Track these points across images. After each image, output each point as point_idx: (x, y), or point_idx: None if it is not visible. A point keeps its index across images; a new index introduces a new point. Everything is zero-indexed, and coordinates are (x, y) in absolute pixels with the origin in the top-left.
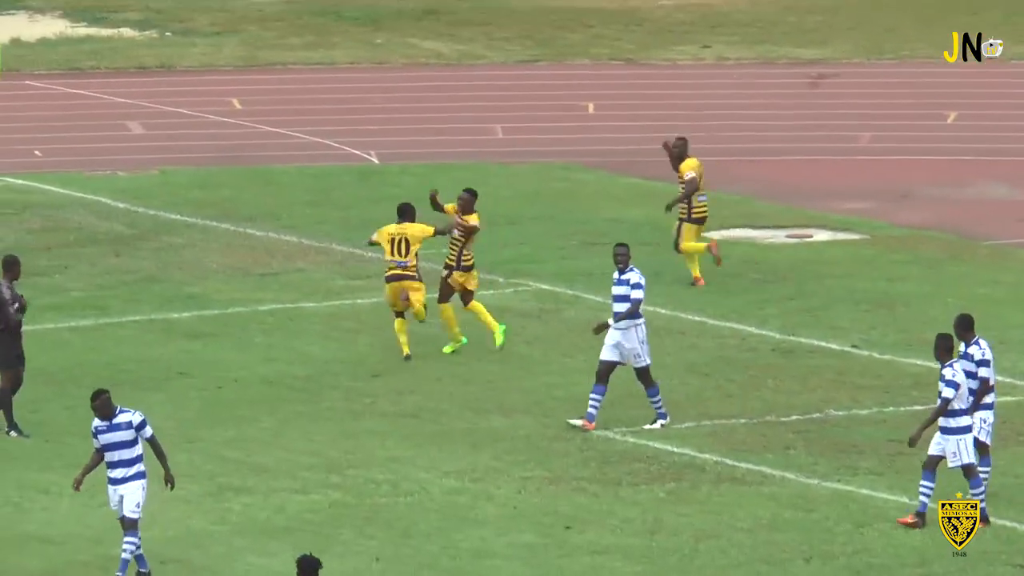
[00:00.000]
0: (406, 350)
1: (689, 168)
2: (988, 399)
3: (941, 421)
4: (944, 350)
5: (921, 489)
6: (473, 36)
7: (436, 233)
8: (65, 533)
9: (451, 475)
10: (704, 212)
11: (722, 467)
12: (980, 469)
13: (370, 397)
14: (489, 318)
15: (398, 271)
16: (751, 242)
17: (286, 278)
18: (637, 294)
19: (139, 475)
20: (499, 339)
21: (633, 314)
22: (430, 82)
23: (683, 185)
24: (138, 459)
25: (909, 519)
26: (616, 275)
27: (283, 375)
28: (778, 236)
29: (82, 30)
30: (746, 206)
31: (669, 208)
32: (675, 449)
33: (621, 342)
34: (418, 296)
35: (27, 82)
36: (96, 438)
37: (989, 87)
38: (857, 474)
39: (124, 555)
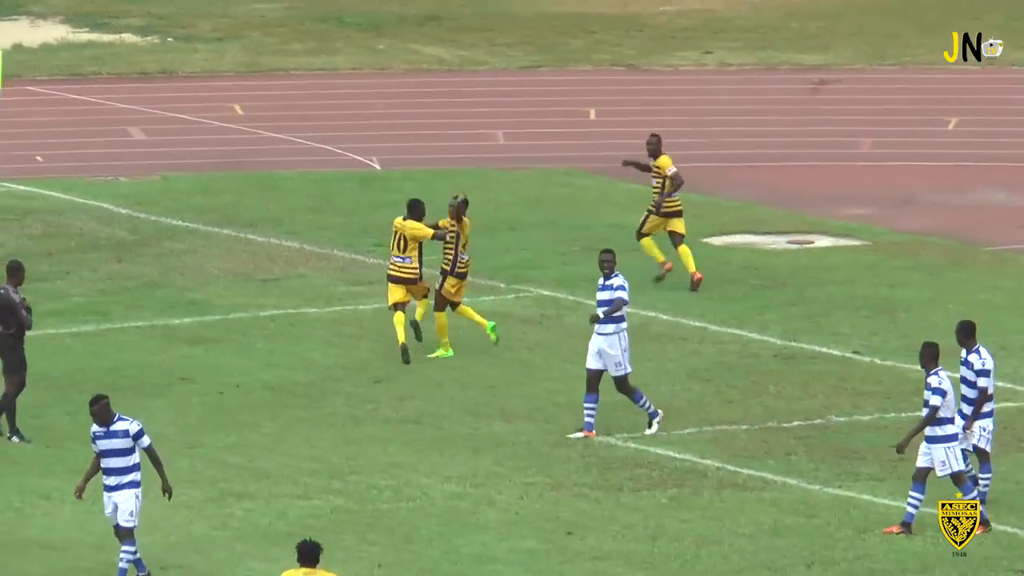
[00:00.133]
0: (401, 340)
1: (668, 164)
2: (987, 407)
3: (927, 430)
4: (929, 357)
5: (910, 499)
6: (475, 42)
7: (434, 238)
8: (67, 539)
9: (452, 480)
10: (677, 206)
11: (724, 473)
12: (981, 476)
13: (372, 403)
14: (477, 316)
15: (395, 270)
16: (752, 248)
17: (288, 284)
18: (621, 293)
19: (132, 484)
20: (492, 336)
21: (617, 310)
22: (432, 88)
23: (656, 179)
24: (133, 468)
25: (895, 528)
26: (601, 280)
27: (285, 381)
28: (779, 242)
29: (84, 35)
30: (747, 212)
31: (658, 211)
32: (677, 455)
33: (605, 349)
34: (419, 290)
35: (29, 88)
36: (94, 443)
37: (990, 93)
38: (859, 480)
39: (121, 564)
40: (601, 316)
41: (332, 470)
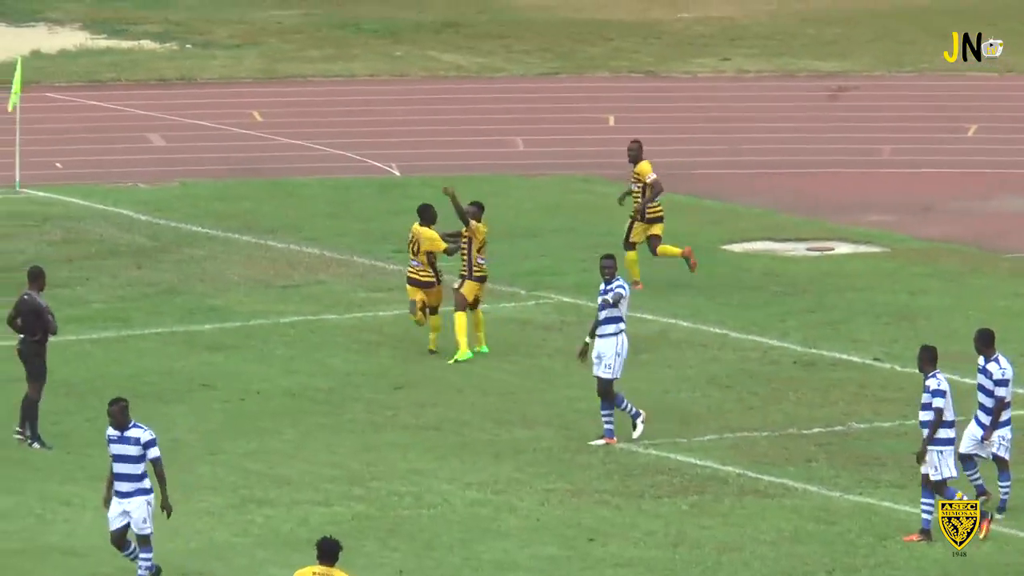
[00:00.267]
0: (432, 346)
1: (649, 170)
2: (1005, 415)
3: (923, 433)
4: (927, 360)
5: (922, 506)
6: (493, 49)
7: (445, 251)
8: (87, 545)
9: (473, 487)
10: (659, 212)
11: (744, 480)
12: (1000, 485)
13: (392, 409)
14: (464, 337)
15: (412, 273)
16: (772, 255)
17: (307, 290)
18: (620, 290)
19: (144, 491)
20: (458, 356)
21: (617, 303)
22: (450, 94)
23: (635, 184)
24: (144, 475)
25: (915, 536)
26: (602, 286)
27: (305, 387)
28: (799, 249)
29: (102, 42)
30: (767, 219)
31: (640, 216)
32: (697, 462)
33: (601, 353)
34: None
35: (48, 94)
36: (108, 446)
37: (1009, 100)
38: (879, 487)
39: (140, 572)
40: (589, 340)
41: (353, 476)
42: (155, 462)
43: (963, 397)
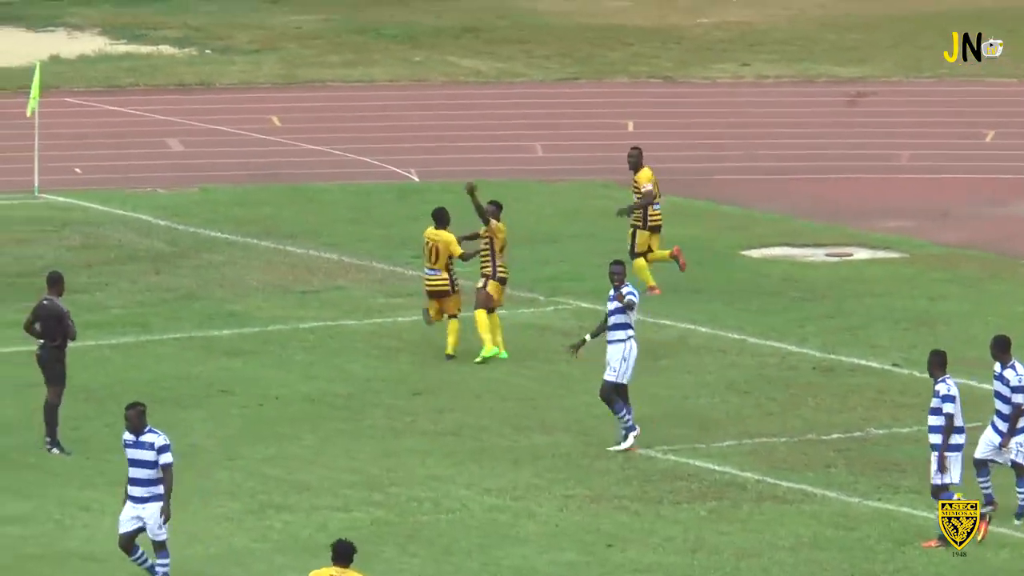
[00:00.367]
0: (450, 350)
1: (647, 179)
2: (1022, 422)
3: (930, 437)
4: (936, 365)
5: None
6: (512, 54)
7: (460, 257)
8: (106, 551)
9: (492, 493)
10: (659, 220)
11: (763, 485)
12: (1018, 491)
13: (411, 415)
14: (487, 334)
15: (430, 283)
16: (791, 260)
17: (327, 296)
18: (631, 298)
19: (159, 497)
20: (484, 354)
21: (632, 307)
22: (469, 100)
23: (637, 195)
24: (159, 481)
25: (933, 542)
26: (612, 292)
27: (324, 393)
28: (817, 254)
29: (121, 47)
30: (785, 224)
31: (620, 214)
32: (716, 467)
33: (609, 358)
34: (452, 306)
35: (66, 99)
36: (125, 451)
37: None
38: (898, 492)
39: None
40: (588, 338)
41: (372, 482)
42: (165, 468)
43: (982, 403)
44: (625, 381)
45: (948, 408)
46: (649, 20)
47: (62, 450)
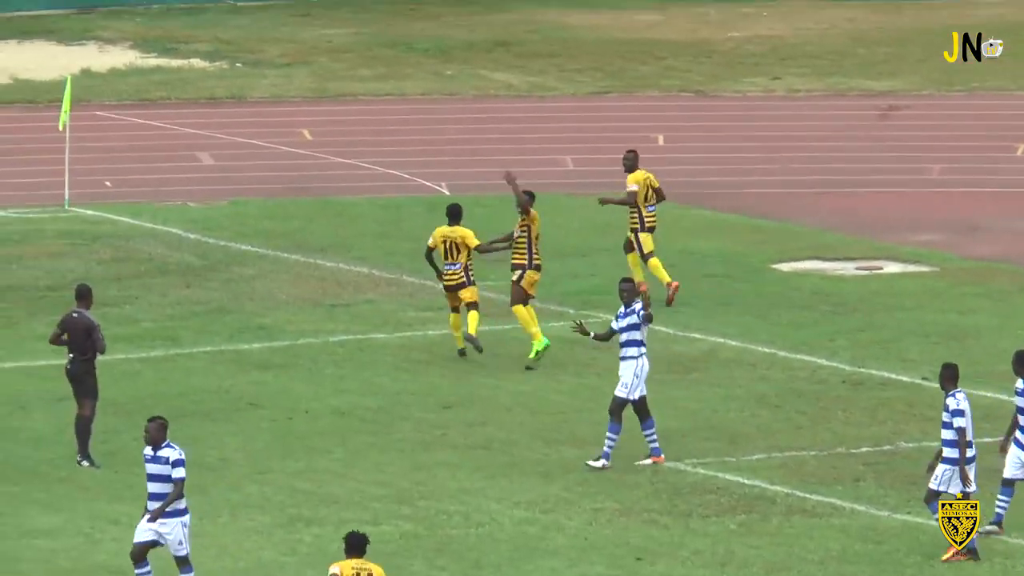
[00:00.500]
0: (460, 344)
1: (634, 181)
2: None
3: (945, 451)
4: (948, 379)
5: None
6: (543, 68)
7: (477, 248)
8: None
9: (522, 506)
10: (653, 222)
11: (792, 499)
12: None
13: (441, 428)
14: (534, 327)
15: (451, 279)
16: (821, 274)
17: (356, 309)
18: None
19: (178, 512)
20: (537, 348)
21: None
22: (501, 113)
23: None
24: (178, 496)
25: (962, 556)
26: (622, 309)
27: (354, 406)
28: (848, 268)
29: (152, 61)
30: (816, 238)
31: (642, 227)
32: (745, 481)
33: (621, 374)
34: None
35: (97, 113)
36: (145, 465)
37: None
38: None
39: None
40: (592, 336)
41: (401, 495)
42: (176, 482)
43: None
44: (635, 397)
45: (959, 422)
46: (680, 34)
47: (92, 463)
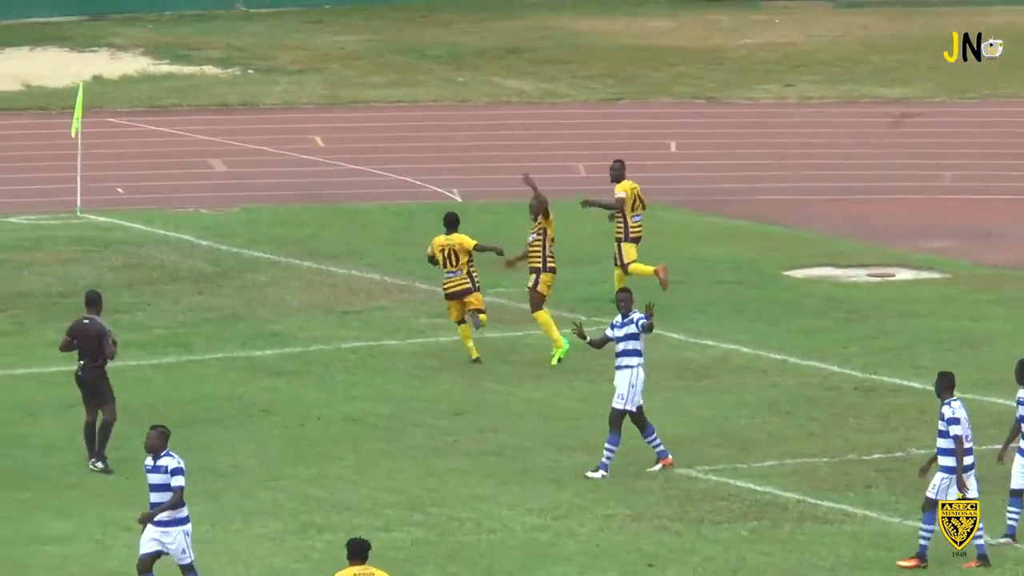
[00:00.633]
0: (474, 354)
1: (621, 189)
2: None
3: (941, 460)
4: (944, 387)
5: (921, 533)
6: (556, 74)
7: (476, 248)
8: None
9: (534, 513)
10: (639, 232)
11: (804, 506)
12: None
13: (453, 435)
14: (555, 333)
15: (453, 285)
16: (834, 281)
17: (368, 316)
18: (651, 321)
19: (180, 521)
20: (559, 354)
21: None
22: (513, 120)
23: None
24: (179, 504)
25: (973, 563)
26: (619, 319)
27: (366, 413)
28: (860, 275)
29: (164, 67)
30: (828, 245)
31: (626, 237)
32: (757, 487)
33: (617, 384)
34: (475, 300)
35: (109, 119)
36: (146, 475)
37: None
38: None
39: None
40: (587, 339)
41: (413, 502)
42: (175, 490)
43: None
44: (632, 408)
45: (955, 430)
46: (693, 41)
47: (105, 466)
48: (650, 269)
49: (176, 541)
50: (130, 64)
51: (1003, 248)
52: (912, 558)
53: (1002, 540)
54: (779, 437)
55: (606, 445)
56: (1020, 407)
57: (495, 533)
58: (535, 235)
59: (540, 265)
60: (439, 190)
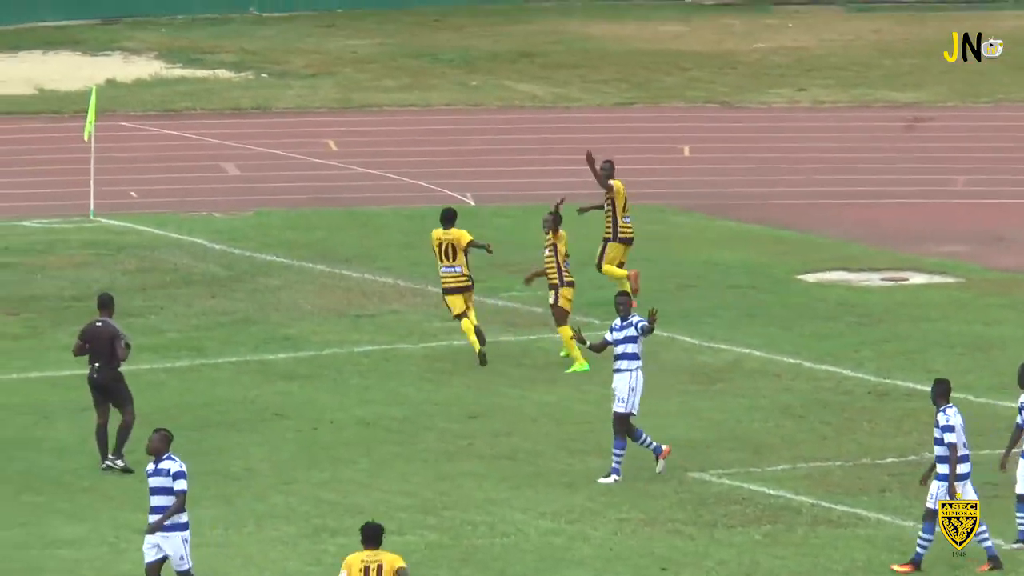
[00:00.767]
0: (477, 347)
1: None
2: None
3: (938, 467)
4: (940, 395)
5: (919, 540)
6: (568, 79)
7: (470, 244)
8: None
9: (547, 516)
10: (630, 233)
11: (818, 509)
12: None
13: (466, 439)
14: (576, 350)
15: (452, 280)
16: (847, 285)
17: (381, 320)
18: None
19: (179, 526)
20: (576, 368)
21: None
22: (525, 124)
23: (608, 204)
24: (179, 509)
25: (986, 566)
26: (618, 322)
27: (379, 416)
28: (873, 279)
29: (177, 71)
30: (841, 249)
31: (614, 237)
32: (771, 491)
33: (616, 387)
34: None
35: (122, 123)
36: (147, 479)
37: None
38: None
39: None
40: (587, 343)
41: (426, 505)
42: (177, 494)
43: None
44: (635, 411)
45: (949, 438)
46: (705, 45)
47: (124, 464)
48: (623, 273)
49: (175, 547)
50: (143, 68)
51: (1016, 252)
52: (907, 564)
53: (1015, 546)
54: (792, 441)
55: (613, 450)
56: (1021, 413)
57: (509, 537)
58: (548, 251)
59: (558, 281)
60: (452, 194)
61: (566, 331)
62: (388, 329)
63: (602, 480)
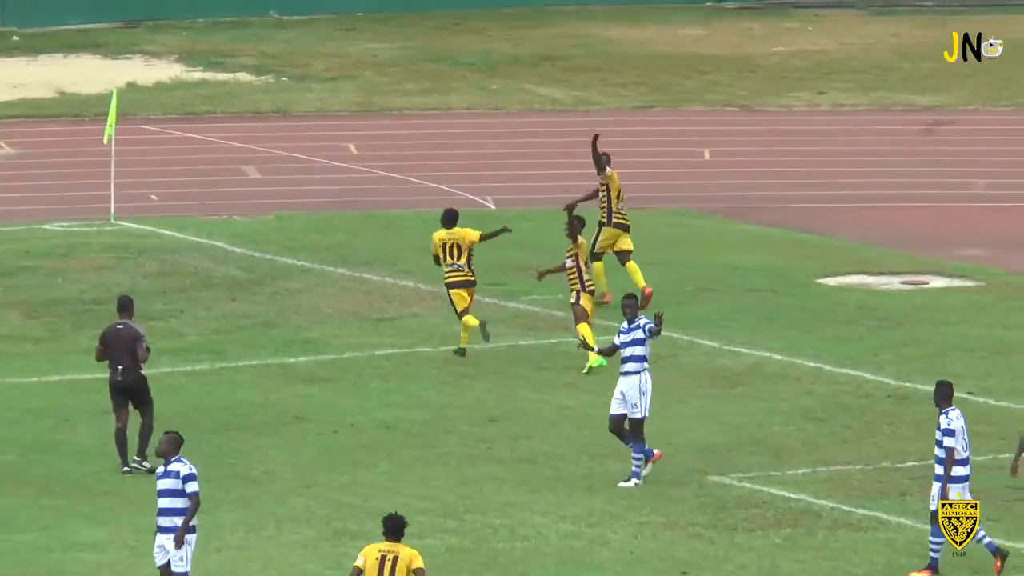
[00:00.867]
0: (464, 343)
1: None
2: None
3: (937, 468)
4: (942, 397)
5: (931, 545)
6: (588, 82)
7: (481, 238)
8: None
9: (567, 520)
10: (625, 220)
11: (838, 513)
12: None
13: (487, 442)
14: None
15: (457, 276)
16: (867, 288)
17: (402, 323)
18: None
19: (186, 529)
20: (591, 364)
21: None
22: (546, 127)
23: (602, 191)
24: (185, 511)
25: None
26: (625, 325)
27: (399, 420)
28: (893, 283)
29: (197, 74)
30: (861, 253)
31: (609, 222)
32: (791, 495)
33: (624, 390)
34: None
35: (143, 126)
36: (156, 481)
37: None
38: None
39: None
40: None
41: (447, 509)
42: (191, 497)
43: None
44: (647, 414)
45: (948, 442)
46: (725, 49)
47: (151, 468)
48: (604, 281)
49: (177, 548)
50: (164, 71)
51: None
52: (925, 569)
53: None
54: (813, 445)
55: (632, 455)
56: None
57: (529, 540)
58: (570, 261)
59: (579, 287)
60: (473, 197)
61: (584, 328)
62: (408, 332)
63: (622, 484)
